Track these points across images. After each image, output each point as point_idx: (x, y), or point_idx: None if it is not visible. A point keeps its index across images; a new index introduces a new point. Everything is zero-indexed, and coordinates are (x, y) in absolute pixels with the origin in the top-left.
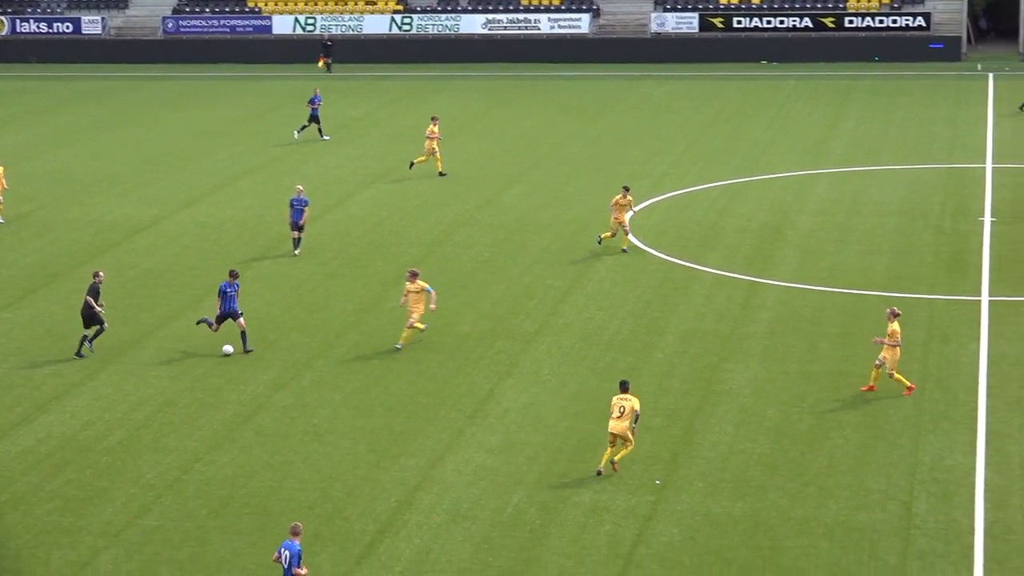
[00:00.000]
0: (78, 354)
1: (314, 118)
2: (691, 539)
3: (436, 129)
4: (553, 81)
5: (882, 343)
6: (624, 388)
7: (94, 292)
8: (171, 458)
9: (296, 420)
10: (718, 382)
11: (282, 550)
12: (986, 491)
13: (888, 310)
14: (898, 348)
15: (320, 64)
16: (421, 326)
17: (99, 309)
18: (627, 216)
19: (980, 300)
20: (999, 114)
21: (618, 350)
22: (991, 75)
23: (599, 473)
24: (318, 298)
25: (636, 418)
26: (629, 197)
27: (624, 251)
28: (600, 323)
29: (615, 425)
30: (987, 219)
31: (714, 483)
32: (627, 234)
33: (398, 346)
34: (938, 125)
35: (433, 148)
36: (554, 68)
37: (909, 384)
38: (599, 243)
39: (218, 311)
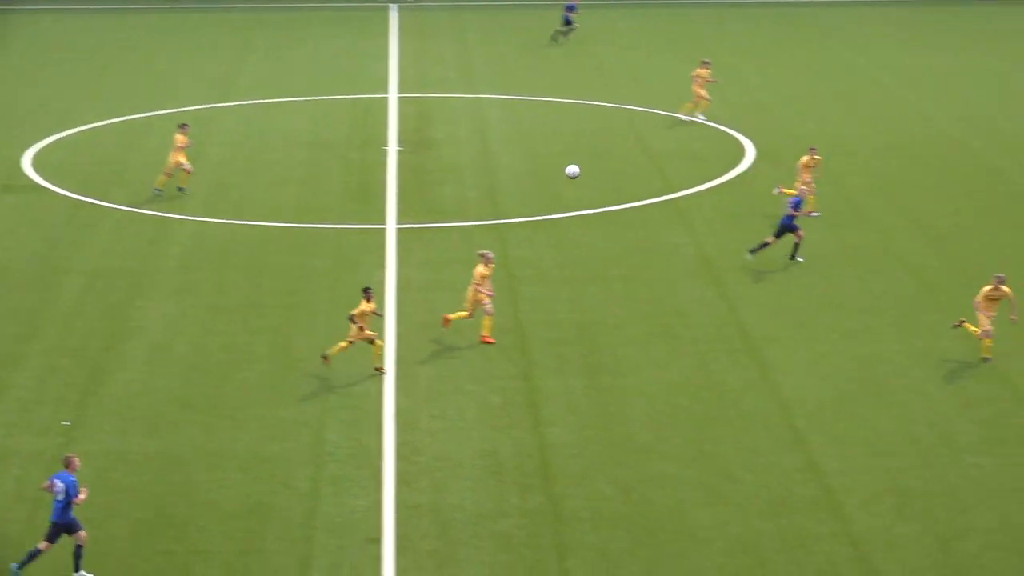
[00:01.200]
0: None
1: None
2: (103, 479)
3: None
4: None
5: (488, 294)
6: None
7: None
8: None
9: None
10: (128, 319)
11: (55, 480)
12: (396, 415)
13: (482, 255)
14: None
15: None
16: None
17: None
18: (182, 158)
19: (386, 228)
20: (402, 45)
21: (22, 291)
22: (394, 7)
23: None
24: None
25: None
26: (186, 138)
27: (180, 190)
28: (2, 263)
29: (352, 333)
30: (392, 148)
31: (125, 421)
32: (187, 173)
33: None
34: (342, 57)
35: None
36: None
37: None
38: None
39: None
